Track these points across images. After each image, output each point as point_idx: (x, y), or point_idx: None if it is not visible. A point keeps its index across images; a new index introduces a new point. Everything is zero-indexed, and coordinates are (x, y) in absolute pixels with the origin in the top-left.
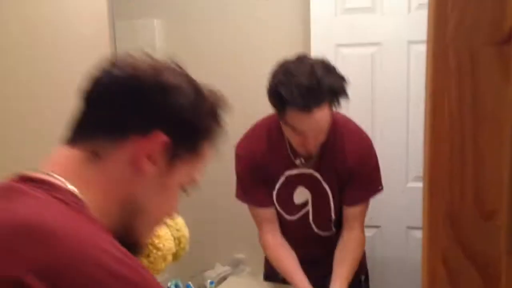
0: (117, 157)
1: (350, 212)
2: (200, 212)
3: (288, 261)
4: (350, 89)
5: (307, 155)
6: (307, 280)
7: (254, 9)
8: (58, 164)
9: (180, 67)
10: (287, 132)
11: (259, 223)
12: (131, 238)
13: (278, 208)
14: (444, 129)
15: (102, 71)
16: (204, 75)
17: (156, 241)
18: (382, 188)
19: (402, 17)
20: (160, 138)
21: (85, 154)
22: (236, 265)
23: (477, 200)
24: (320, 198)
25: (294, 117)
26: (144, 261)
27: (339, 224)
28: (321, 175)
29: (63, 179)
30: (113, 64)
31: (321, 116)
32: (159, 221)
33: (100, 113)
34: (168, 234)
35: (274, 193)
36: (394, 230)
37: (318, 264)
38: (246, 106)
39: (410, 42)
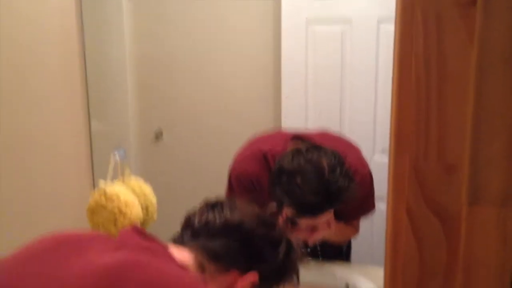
0: (216, 281)
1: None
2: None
3: None
4: (320, 66)
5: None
6: None
7: None
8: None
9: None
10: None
11: None
12: None
13: None
14: (410, 89)
15: (231, 211)
16: (173, 54)
17: (124, 208)
18: (374, 208)
19: None
20: (254, 278)
21: (194, 260)
22: None
23: (441, 156)
24: None
25: (298, 219)
26: (112, 228)
27: None
28: None
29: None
30: (246, 214)
31: (326, 218)
32: None
33: (213, 243)
34: (135, 202)
35: None
36: None
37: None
38: (214, 81)
39: (380, 22)
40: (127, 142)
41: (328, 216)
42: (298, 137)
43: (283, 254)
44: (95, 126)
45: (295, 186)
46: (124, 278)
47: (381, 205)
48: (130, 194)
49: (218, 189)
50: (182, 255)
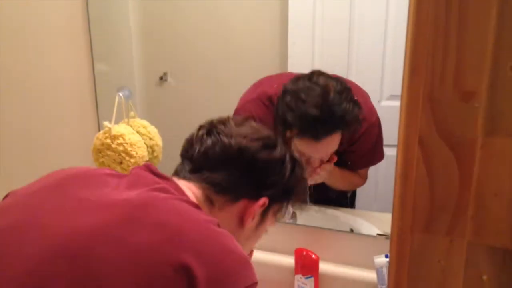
0: (227, 211)
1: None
2: None
3: None
4: (327, 8)
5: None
6: None
7: None
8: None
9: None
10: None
11: None
12: None
13: None
14: (428, 9)
15: (231, 135)
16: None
17: (129, 148)
18: (383, 157)
19: None
20: (264, 202)
21: (201, 194)
22: None
23: (457, 81)
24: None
25: (301, 143)
26: (117, 168)
27: None
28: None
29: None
30: (245, 135)
31: (330, 143)
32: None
33: (217, 175)
34: (141, 142)
35: None
36: None
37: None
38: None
39: None
40: (132, 84)
41: (330, 145)
42: None
43: (289, 172)
44: (99, 68)
45: (298, 101)
46: (143, 216)
47: (387, 151)
48: (135, 135)
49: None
50: (192, 190)
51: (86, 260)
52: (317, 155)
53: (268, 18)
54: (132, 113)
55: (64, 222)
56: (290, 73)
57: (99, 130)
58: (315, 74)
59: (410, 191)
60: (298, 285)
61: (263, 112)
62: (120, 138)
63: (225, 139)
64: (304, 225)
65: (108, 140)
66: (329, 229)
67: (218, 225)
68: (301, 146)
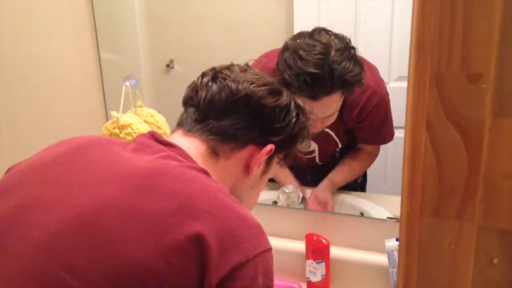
0: (233, 159)
1: (362, 146)
2: None
3: None
4: None
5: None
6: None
7: None
8: (186, 148)
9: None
10: None
11: None
12: None
13: None
14: None
15: (233, 81)
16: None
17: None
18: (393, 135)
19: None
20: (271, 148)
21: (205, 149)
22: None
23: (465, 62)
24: (326, 146)
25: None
26: None
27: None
28: (329, 128)
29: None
30: (249, 81)
31: (330, 103)
32: (253, 206)
33: (224, 122)
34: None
35: None
36: None
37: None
38: (225, 9)
39: None
40: (138, 72)
41: (330, 106)
42: None
43: (294, 119)
44: (105, 57)
45: (297, 59)
46: (153, 186)
47: (396, 133)
48: (143, 124)
49: None
50: (196, 148)
51: (99, 233)
52: (317, 117)
53: (275, 5)
54: (139, 102)
55: (73, 198)
56: None
57: (107, 120)
58: (317, 31)
59: (419, 175)
60: (310, 270)
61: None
62: (128, 128)
63: (232, 85)
64: (314, 210)
65: (117, 130)
66: (339, 214)
67: (229, 193)
68: None
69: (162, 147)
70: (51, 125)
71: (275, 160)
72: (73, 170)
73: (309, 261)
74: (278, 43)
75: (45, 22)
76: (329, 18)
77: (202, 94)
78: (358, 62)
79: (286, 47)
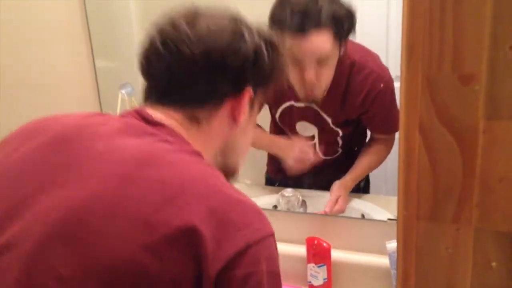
0: (215, 120)
1: (374, 135)
2: None
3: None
4: None
5: (310, 99)
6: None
7: None
8: (163, 118)
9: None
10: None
11: None
12: (231, 171)
13: (285, 129)
14: None
15: (187, 39)
16: None
17: None
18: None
19: None
20: (249, 93)
21: (184, 117)
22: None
23: (456, 64)
24: (326, 132)
25: (290, 41)
26: None
27: (345, 147)
28: (328, 113)
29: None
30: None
31: (320, 42)
32: (248, 148)
33: (193, 87)
34: None
35: (277, 115)
36: None
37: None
38: None
39: None
40: (134, 79)
41: (320, 45)
42: None
43: (265, 56)
44: (100, 64)
45: (285, 2)
46: (141, 175)
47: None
48: None
49: None
50: (173, 118)
51: (83, 235)
52: (308, 58)
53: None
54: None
55: (55, 199)
56: None
57: None
58: None
59: (414, 179)
60: (311, 274)
61: None
62: None
63: (185, 49)
64: (315, 214)
65: None
66: (340, 216)
67: (221, 177)
68: (290, 46)
69: (149, 128)
70: None
71: (257, 99)
72: (53, 165)
73: (311, 265)
74: None
75: (39, 31)
76: None
77: (156, 65)
78: (349, 6)
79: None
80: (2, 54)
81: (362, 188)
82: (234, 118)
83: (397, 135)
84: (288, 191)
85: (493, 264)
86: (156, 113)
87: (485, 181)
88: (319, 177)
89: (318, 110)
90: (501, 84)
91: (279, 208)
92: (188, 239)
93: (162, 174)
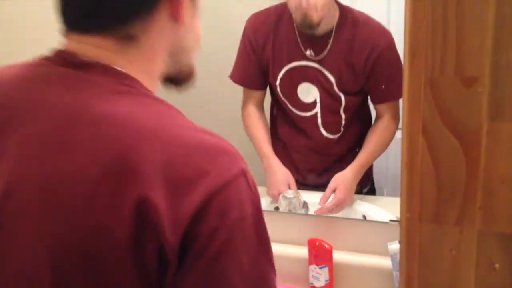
0: (153, 28)
1: (378, 108)
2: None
3: (259, 129)
4: None
5: (307, 23)
6: (271, 149)
7: None
8: (93, 52)
9: None
10: None
11: (246, 99)
12: (187, 72)
13: (285, 101)
14: None
15: None
16: None
17: None
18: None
19: None
20: None
21: (116, 42)
22: None
23: (459, 67)
24: (329, 97)
25: None
26: None
27: (347, 127)
28: (332, 72)
29: (116, 66)
30: None
31: None
32: (199, 45)
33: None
34: None
35: (277, 83)
36: None
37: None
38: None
39: None
40: None
41: None
42: None
43: None
44: None
45: None
46: (79, 141)
47: (397, 133)
48: None
49: (226, 116)
50: (104, 46)
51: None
52: None
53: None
54: None
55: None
56: None
57: None
58: None
59: (417, 181)
60: (313, 276)
61: (263, 18)
62: None
63: None
64: (316, 215)
65: None
66: (342, 218)
67: (175, 114)
68: None
69: (83, 75)
70: None
71: None
72: None
73: (312, 266)
74: None
75: (39, 30)
76: None
77: None
78: None
79: None
80: (2, 54)
81: (364, 194)
82: (175, 18)
83: (399, 135)
84: (290, 193)
85: (497, 265)
86: (82, 48)
87: (489, 183)
88: (321, 179)
89: (321, 69)
90: (504, 86)
91: (280, 209)
92: (141, 213)
93: (94, 136)
